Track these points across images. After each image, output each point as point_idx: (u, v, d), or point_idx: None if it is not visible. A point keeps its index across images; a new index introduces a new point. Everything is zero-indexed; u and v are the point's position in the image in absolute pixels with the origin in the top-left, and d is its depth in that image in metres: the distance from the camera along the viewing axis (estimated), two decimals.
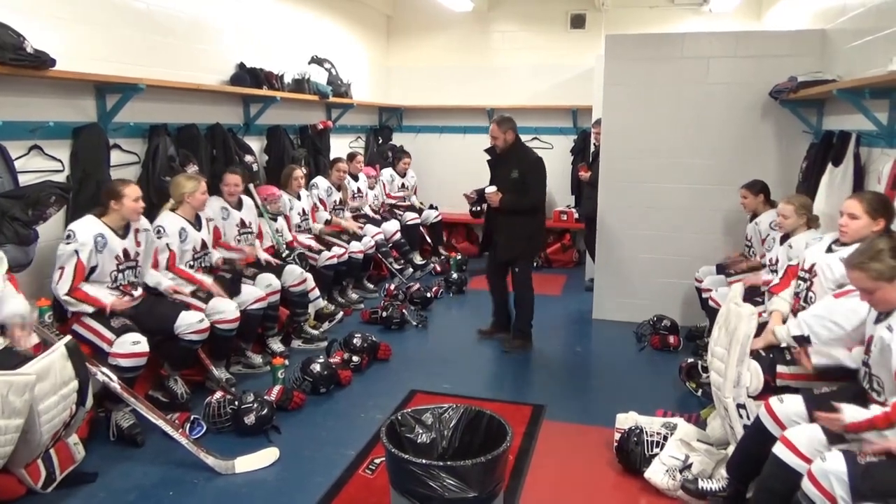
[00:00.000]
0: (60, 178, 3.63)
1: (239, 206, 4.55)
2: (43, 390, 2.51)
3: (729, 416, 2.75)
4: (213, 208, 4.34)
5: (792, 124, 4.83)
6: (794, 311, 3.19)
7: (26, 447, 2.56)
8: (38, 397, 2.48)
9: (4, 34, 3.05)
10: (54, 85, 3.58)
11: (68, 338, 2.80)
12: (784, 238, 3.80)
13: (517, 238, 4.55)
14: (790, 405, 2.47)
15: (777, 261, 3.80)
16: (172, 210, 3.94)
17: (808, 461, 2.17)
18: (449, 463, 2.31)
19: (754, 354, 2.84)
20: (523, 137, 7.54)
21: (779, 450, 2.29)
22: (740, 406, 2.71)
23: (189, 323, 3.52)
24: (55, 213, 3.42)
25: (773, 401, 2.52)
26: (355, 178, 6.48)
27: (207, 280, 3.94)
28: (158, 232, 3.81)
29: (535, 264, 5.00)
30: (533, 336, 4.76)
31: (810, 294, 3.04)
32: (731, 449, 2.84)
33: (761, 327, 2.96)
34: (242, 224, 4.56)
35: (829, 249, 3.02)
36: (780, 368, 2.83)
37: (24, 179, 3.37)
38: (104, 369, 3.07)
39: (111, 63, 3.91)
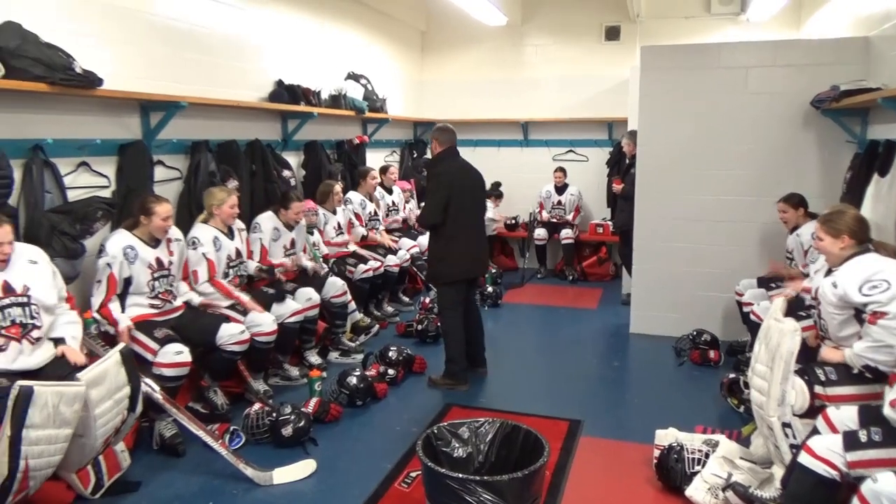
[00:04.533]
0: (106, 193, 3.75)
1: (290, 227, 4.59)
2: (99, 395, 2.60)
3: (774, 435, 2.68)
4: (265, 227, 4.42)
5: (834, 134, 4.72)
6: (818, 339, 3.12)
7: (81, 451, 2.64)
8: (94, 402, 2.56)
9: (55, 55, 3.17)
10: (101, 103, 3.70)
11: (122, 345, 2.89)
12: None
13: (429, 258, 4.36)
14: (846, 412, 2.49)
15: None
16: (204, 222, 4.03)
17: (826, 462, 2.27)
18: (485, 477, 2.30)
19: (798, 371, 2.79)
20: (558, 150, 7.71)
21: (802, 457, 2.36)
22: (786, 425, 2.64)
23: (231, 334, 3.59)
24: (101, 227, 3.53)
25: (830, 409, 2.55)
26: (389, 192, 6.53)
27: (245, 297, 3.98)
28: (193, 243, 3.88)
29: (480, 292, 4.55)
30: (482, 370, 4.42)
31: (822, 322, 3.00)
32: (775, 468, 2.77)
33: None
34: (292, 244, 4.62)
35: (829, 272, 2.98)
36: (818, 389, 2.77)
37: (72, 195, 3.49)
38: (147, 380, 3.13)
39: (155, 81, 4.02)
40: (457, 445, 2.70)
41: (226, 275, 4.04)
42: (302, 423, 3.37)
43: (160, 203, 3.54)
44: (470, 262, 4.22)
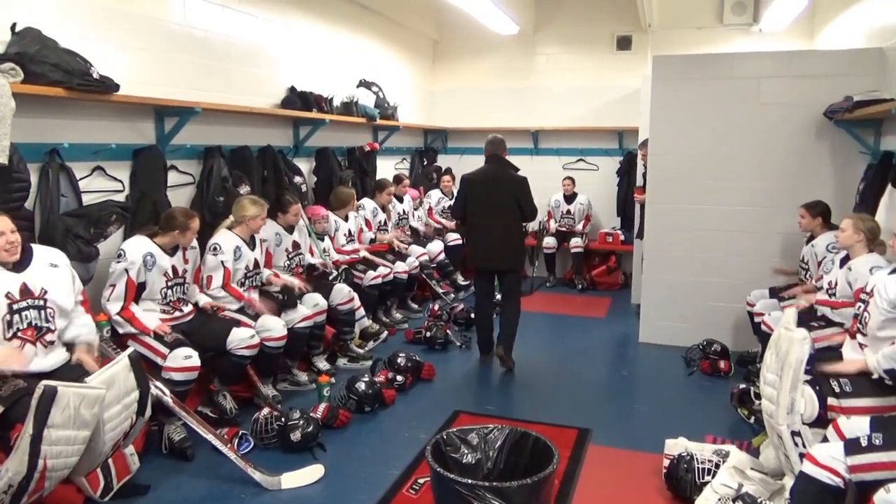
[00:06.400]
0: (120, 197, 3.78)
1: (290, 229, 4.64)
2: (108, 400, 2.60)
3: (783, 445, 2.66)
4: (267, 233, 4.44)
5: (848, 145, 4.70)
6: (852, 333, 3.10)
7: (89, 455, 2.64)
8: (103, 406, 2.57)
9: (73, 61, 3.20)
10: (117, 109, 3.73)
11: (132, 349, 2.90)
12: (844, 261, 3.68)
13: None
14: (857, 422, 2.46)
15: (836, 284, 3.68)
16: (229, 228, 4.05)
17: (829, 469, 2.25)
18: (495, 484, 2.30)
19: (810, 382, 2.77)
20: (569, 158, 7.72)
21: (805, 466, 2.35)
22: (795, 433, 2.62)
23: (241, 338, 3.61)
24: (115, 231, 3.57)
25: (841, 418, 2.54)
26: (400, 200, 6.55)
27: (255, 296, 4.04)
28: (214, 249, 3.90)
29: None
30: (511, 357, 4.71)
31: (866, 314, 2.96)
32: (786, 479, 2.74)
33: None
34: (295, 246, 4.66)
35: (894, 271, 2.94)
36: (831, 401, 2.75)
37: (87, 199, 3.52)
38: (157, 383, 3.15)
39: (169, 87, 4.05)
40: (466, 452, 2.69)
41: (242, 284, 4.06)
42: (310, 429, 3.38)
43: (193, 219, 3.62)
44: (483, 255, 4.75)
